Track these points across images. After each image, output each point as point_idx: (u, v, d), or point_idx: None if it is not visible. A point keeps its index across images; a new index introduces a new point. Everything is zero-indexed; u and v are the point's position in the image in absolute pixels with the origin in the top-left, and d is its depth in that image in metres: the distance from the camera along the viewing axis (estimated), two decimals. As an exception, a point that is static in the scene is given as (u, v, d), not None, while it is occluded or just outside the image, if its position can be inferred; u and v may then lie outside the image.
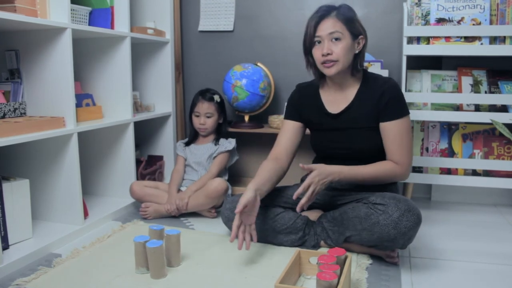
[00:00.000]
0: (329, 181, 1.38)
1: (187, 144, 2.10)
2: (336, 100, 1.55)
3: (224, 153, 2.01)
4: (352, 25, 1.43)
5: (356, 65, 1.49)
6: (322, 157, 1.60)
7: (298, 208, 1.34)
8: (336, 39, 1.41)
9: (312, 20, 1.45)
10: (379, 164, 1.45)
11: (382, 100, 1.46)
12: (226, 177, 2.05)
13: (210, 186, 1.81)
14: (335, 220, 1.47)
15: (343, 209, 1.46)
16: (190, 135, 2.14)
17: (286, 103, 1.69)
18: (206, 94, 2.07)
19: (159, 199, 1.88)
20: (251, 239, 1.38)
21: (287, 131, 1.62)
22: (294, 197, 1.36)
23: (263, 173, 1.47)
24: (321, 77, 1.56)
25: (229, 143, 2.04)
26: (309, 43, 1.47)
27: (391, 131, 1.46)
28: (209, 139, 2.08)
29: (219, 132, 2.11)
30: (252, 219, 1.37)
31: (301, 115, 1.62)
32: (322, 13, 1.44)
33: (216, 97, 2.07)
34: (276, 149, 1.59)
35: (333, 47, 1.42)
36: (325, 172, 1.37)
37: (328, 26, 1.42)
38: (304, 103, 1.61)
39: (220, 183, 1.81)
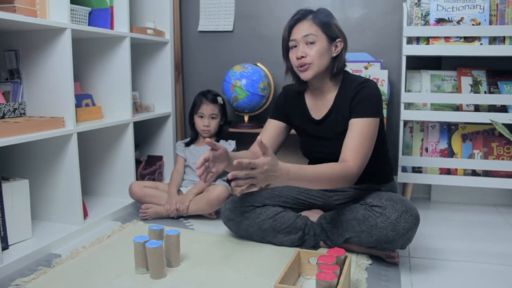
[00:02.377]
0: (275, 176, 1.17)
1: (187, 144, 2.10)
2: (318, 105, 1.52)
3: None
4: (328, 28, 1.40)
5: (333, 68, 1.44)
6: (312, 161, 1.59)
7: (229, 175, 1.13)
8: (311, 42, 1.39)
9: (288, 23, 1.44)
10: (329, 164, 1.30)
11: (355, 99, 1.41)
12: (226, 178, 2.05)
13: (212, 193, 1.79)
14: (334, 221, 1.47)
15: (341, 210, 1.46)
16: (191, 136, 2.13)
17: (274, 105, 1.65)
18: (209, 95, 2.06)
19: (158, 200, 1.88)
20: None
21: (269, 129, 1.59)
22: (229, 176, 1.13)
23: (240, 152, 1.46)
24: (302, 82, 1.51)
25: (229, 145, 2.03)
26: (285, 47, 1.46)
27: (354, 128, 1.37)
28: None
29: (220, 134, 2.11)
30: (220, 166, 1.25)
31: (286, 117, 1.60)
32: (298, 17, 1.42)
33: (220, 99, 2.08)
34: (255, 146, 1.51)
35: (307, 50, 1.39)
36: (275, 167, 1.17)
37: (303, 29, 1.40)
38: (290, 107, 1.59)
39: (222, 191, 1.79)
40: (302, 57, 1.39)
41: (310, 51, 1.39)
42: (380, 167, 1.54)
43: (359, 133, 1.36)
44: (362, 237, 1.38)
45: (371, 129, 1.37)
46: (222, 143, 2.04)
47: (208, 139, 1.23)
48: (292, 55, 1.43)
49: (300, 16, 1.42)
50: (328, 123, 1.49)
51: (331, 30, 1.41)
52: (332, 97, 1.48)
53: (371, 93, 1.40)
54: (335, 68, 1.44)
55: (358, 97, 1.40)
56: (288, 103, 1.59)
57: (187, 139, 2.14)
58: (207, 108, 2.03)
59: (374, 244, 1.37)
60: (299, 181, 1.23)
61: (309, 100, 1.55)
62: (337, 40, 1.43)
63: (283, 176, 1.19)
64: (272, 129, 1.59)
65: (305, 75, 1.42)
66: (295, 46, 1.42)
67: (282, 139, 1.61)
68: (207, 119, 2.03)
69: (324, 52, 1.40)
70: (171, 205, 1.82)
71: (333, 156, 1.41)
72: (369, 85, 1.41)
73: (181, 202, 1.82)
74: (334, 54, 1.43)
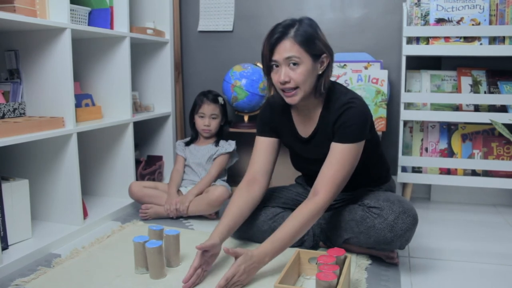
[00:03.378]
0: (256, 266, 1.22)
1: (187, 144, 2.10)
2: (305, 122, 1.44)
3: (224, 155, 2.01)
4: (312, 46, 1.27)
5: (319, 86, 1.33)
6: (304, 175, 1.60)
7: None
8: (294, 64, 1.27)
9: (267, 41, 1.30)
10: (296, 214, 1.27)
11: (337, 122, 1.33)
12: (225, 178, 2.05)
13: (212, 195, 1.79)
14: (333, 222, 1.46)
15: (340, 211, 1.46)
16: (191, 136, 2.13)
17: (257, 119, 1.55)
18: (210, 95, 2.06)
19: (158, 200, 1.88)
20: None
21: (261, 149, 1.48)
22: None
23: (234, 210, 1.38)
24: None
25: (229, 145, 2.03)
26: (266, 66, 1.34)
27: (332, 154, 1.31)
28: (210, 141, 2.08)
29: (220, 134, 2.10)
30: (209, 267, 1.30)
31: (275, 131, 1.50)
32: (278, 35, 1.27)
33: (220, 99, 2.08)
34: (252, 171, 1.47)
35: (291, 73, 1.28)
36: (251, 259, 1.21)
37: (285, 50, 1.26)
38: (276, 121, 1.49)
39: (222, 192, 1.79)
40: (286, 82, 1.29)
41: (294, 74, 1.28)
42: (376, 172, 1.54)
43: (336, 161, 1.30)
44: (360, 238, 1.38)
45: (351, 154, 1.31)
46: (223, 143, 2.04)
47: (226, 249, 1.21)
48: (275, 76, 1.32)
49: (280, 34, 1.27)
50: (315, 143, 1.43)
51: (315, 48, 1.29)
52: (317, 115, 1.40)
53: (354, 116, 1.31)
54: (322, 87, 1.34)
55: (340, 120, 1.32)
56: (274, 117, 1.49)
57: (187, 139, 2.14)
58: (208, 108, 2.02)
59: (373, 245, 1.37)
60: (280, 250, 1.25)
61: (295, 116, 1.47)
62: (322, 56, 1.31)
63: (262, 259, 1.23)
64: (264, 148, 1.48)
65: (291, 101, 1.32)
66: (277, 66, 1.31)
67: (276, 155, 1.52)
68: (207, 118, 2.03)
69: (309, 73, 1.29)
70: (171, 205, 1.82)
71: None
72: (353, 106, 1.31)
73: (181, 202, 1.82)
74: (320, 72, 1.33)
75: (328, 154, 1.33)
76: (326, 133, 1.37)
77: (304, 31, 1.28)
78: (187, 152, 2.07)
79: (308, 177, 1.61)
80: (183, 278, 1.23)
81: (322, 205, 1.28)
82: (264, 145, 1.49)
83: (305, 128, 1.45)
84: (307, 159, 1.48)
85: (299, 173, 1.73)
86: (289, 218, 1.28)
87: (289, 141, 1.51)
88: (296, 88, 1.30)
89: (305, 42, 1.27)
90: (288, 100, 1.34)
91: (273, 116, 1.50)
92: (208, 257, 1.28)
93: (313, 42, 1.28)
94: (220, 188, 1.81)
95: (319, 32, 1.32)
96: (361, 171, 1.39)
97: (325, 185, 1.29)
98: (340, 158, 1.30)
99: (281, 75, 1.29)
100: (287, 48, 1.27)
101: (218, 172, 1.97)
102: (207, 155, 2.01)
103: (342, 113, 1.32)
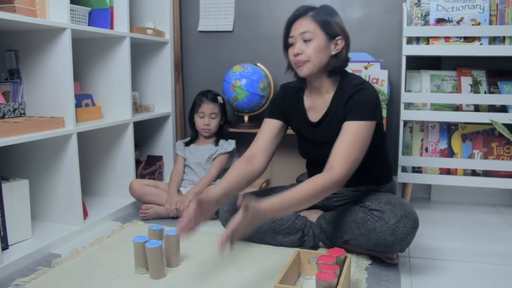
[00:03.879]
0: (258, 220, 1.18)
1: (187, 144, 2.10)
2: (316, 106, 1.49)
3: (224, 155, 2.01)
4: (328, 25, 1.37)
5: (331, 66, 1.41)
6: (310, 163, 1.61)
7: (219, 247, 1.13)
8: (307, 40, 1.37)
9: (288, 18, 1.43)
10: (311, 181, 1.26)
11: (349, 102, 1.37)
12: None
13: (212, 189, 1.79)
14: (333, 222, 1.46)
15: (340, 212, 1.45)
16: (191, 136, 2.13)
17: (269, 103, 1.62)
18: (209, 94, 2.07)
19: (158, 199, 1.88)
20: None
21: (266, 129, 1.53)
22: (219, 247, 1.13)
23: (232, 176, 1.40)
24: (302, 79, 1.50)
25: (229, 145, 2.04)
26: (284, 43, 1.45)
27: (346, 131, 1.33)
28: (210, 140, 2.08)
29: (220, 134, 2.11)
30: (202, 220, 1.23)
31: (284, 116, 1.55)
32: (298, 13, 1.41)
33: (220, 98, 2.08)
34: (253, 148, 1.50)
35: (304, 47, 1.38)
36: (258, 211, 1.16)
37: (301, 26, 1.38)
38: (287, 106, 1.55)
39: None
40: (298, 54, 1.38)
41: (306, 49, 1.37)
42: (379, 170, 1.54)
43: (350, 137, 1.31)
44: (360, 240, 1.38)
45: (365, 132, 1.33)
46: (222, 143, 2.04)
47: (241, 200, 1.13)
48: (290, 52, 1.42)
49: (300, 12, 1.40)
50: (324, 126, 1.46)
51: (330, 28, 1.38)
52: (329, 98, 1.45)
53: (366, 96, 1.36)
54: (334, 67, 1.41)
55: (352, 99, 1.36)
56: (285, 102, 1.56)
57: (187, 139, 2.14)
58: (207, 107, 2.03)
59: (373, 248, 1.37)
60: (285, 211, 1.23)
61: (307, 101, 1.52)
62: (337, 38, 1.39)
63: (267, 213, 1.18)
64: (270, 129, 1.53)
65: (300, 71, 1.41)
66: (293, 44, 1.41)
67: (280, 139, 1.56)
68: (207, 118, 2.04)
69: (321, 50, 1.37)
70: (171, 204, 1.82)
71: (327, 158, 1.36)
72: (365, 87, 1.38)
73: (181, 202, 1.82)
74: (333, 52, 1.40)
75: (340, 133, 1.34)
76: (337, 115, 1.41)
77: (322, 12, 1.39)
78: (186, 152, 2.07)
79: (313, 164, 1.58)
80: (178, 226, 1.19)
81: (336, 179, 1.25)
82: (270, 127, 1.54)
83: (315, 112, 1.49)
84: (313, 142, 1.50)
85: (300, 173, 1.73)
86: (302, 183, 1.25)
87: (298, 125, 1.54)
88: (306, 61, 1.38)
89: (321, 21, 1.37)
90: (298, 71, 1.42)
91: (285, 100, 1.56)
92: (202, 210, 1.22)
93: (329, 23, 1.38)
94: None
95: (337, 17, 1.41)
96: (365, 167, 1.38)
97: (340, 160, 1.28)
98: (354, 134, 1.31)
99: (294, 48, 1.39)
100: (303, 25, 1.38)
101: (218, 172, 1.97)
102: (206, 155, 2.02)
103: (354, 92, 1.37)
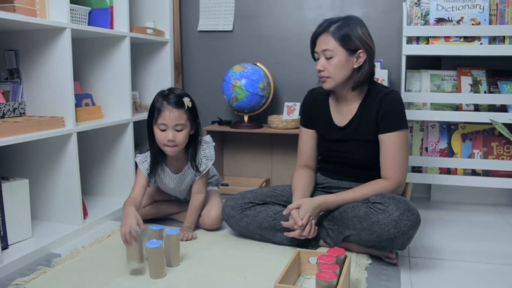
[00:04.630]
0: (318, 213, 1.45)
1: (152, 167, 1.61)
2: (342, 111, 1.56)
3: (205, 173, 1.67)
4: (348, 41, 1.42)
5: (355, 79, 1.47)
6: (324, 160, 1.66)
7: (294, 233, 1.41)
8: (329, 58, 1.44)
9: (313, 33, 1.50)
10: (368, 187, 1.46)
11: (380, 112, 1.46)
12: (212, 180, 1.87)
13: (207, 219, 1.68)
14: (335, 219, 1.47)
15: (342, 208, 1.46)
16: (153, 157, 1.60)
17: (299, 109, 1.69)
18: (171, 97, 1.52)
19: (168, 208, 1.82)
20: None
21: (307, 138, 1.65)
22: (285, 212, 1.44)
23: (302, 183, 1.56)
24: None
25: (207, 158, 1.65)
26: (312, 55, 1.53)
27: (385, 144, 1.46)
28: (182, 161, 1.64)
29: (192, 145, 1.61)
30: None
31: (312, 122, 1.64)
32: (320, 30, 1.47)
33: (186, 101, 1.53)
34: (303, 158, 1.65)
35: (326, 64, 1.45)
36: (312, 206, 1.42)
37: (323, 43, 1.45)
38: (314, 111, 1.63)
39: (217, 215, 1.67)
40: (321, 70, 1.47)
41: (328, 66, 1.45)
42: None
43: (393, 147, 1.44)
44: (362, 235, 1.38)
45: (403, 140, 1.45)
46: (199, 158, 1.64)
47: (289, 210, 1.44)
48: (316, 66, 1.49)
49: (322, 29, 1.46)
50: (351, 130, 1.53)
51: (350, 43, 1.42)
52: (356, 106, 1.52)
53: (395, 106, 1.45)
54: (357, 80, 1.47)
55: (383, 110, 1.45)
56: (312, 106, 1.64)
57: (148, 154, 1.62)
58: (170, 117, 1.49)
59: (374, 243, 1.37)
60: (339, 204, 1.46)
61: (333, 105, 1.59)
62: (359, 51, 1.44)
63: (322, 204, 1.45)
64: (309, 137, 1.65)
65: (324, 86, 1.50)
66: (318, 58, 1.48)
67: (318, 141, 1.66)
68: (171, 131, 1.51)
69: (342, 66, 1.44)
70: (126, 227, 1.32)
71: (349, 160, 1.52)
72: (392, 96, 1.46)
73: (186, 236, 1.59)
74: (356, 66, 1.45)
75: (381, 146, 1.47)
76: (366, 121, 1.50)
77: (344, 26, 1.44)
78: (156, 179, 1.69)
79: (327, 161, 1.64)
80: (291, 234, 1.42)
81: (390, 187, 1.44)
82: (308, 137, 1.66)
83: (341, 117, 1.56)
84: (337, 141, 1.57)
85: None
86: (359, 187, 1.47)
87: (324, 128, 1.61)
88: (328, 77, 1.47)
89: (341, 37, 1.43)
90: (322, 85, 1.51)
91: (312, 104, 1.65)
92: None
93: (349, 38, 1.43)
94: (214, 211, 1.67)
95: (359, 29, 1.44)
96: (374, 166, 1.49)
97: (393, 169, 1.44)
98: (394, 144, 1.44)
99: (318, 64, 1.48)
100: (325, 42, 1.45)
101: (206, 187, 1.72)
102: (186, 183, 1.69)
103: (384, 102, 1.46)
